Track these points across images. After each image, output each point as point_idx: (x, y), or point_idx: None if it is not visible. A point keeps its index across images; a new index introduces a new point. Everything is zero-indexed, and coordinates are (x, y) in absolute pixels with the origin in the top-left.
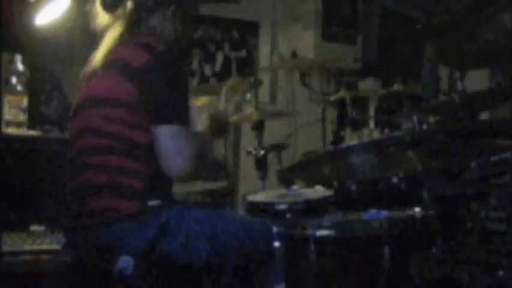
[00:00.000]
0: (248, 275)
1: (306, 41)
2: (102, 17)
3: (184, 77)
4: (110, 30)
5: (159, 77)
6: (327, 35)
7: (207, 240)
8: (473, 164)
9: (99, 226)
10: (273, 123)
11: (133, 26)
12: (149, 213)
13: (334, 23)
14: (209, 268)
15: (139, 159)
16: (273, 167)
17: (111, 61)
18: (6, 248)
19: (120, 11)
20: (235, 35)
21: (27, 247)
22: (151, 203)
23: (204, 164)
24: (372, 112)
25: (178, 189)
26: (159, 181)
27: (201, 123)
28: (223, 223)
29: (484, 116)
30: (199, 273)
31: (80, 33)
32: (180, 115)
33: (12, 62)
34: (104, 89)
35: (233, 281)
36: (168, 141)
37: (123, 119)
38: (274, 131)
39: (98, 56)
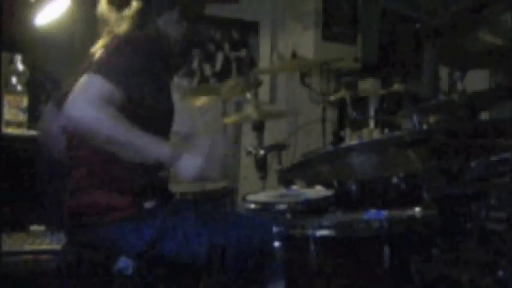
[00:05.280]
0: (248, 274)
1: (306, 41)
2: (108, 15)
3: (150, 60)
4: (113, 27)
5: (120, 52)
6: (327, 35)
7: (205, 240)
8: (473, 164)
9: (97, 226)
10: (273, 123)
11: (139, 26)
12: (146, 215)
13: (334, 23)
14: (208, 268)
15: (129, 161)
16: (273, 167)
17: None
18: (6, 248)
19: (126, 11)
20: (235, 35)
21: (27, 247)
22: (147, 204)
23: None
24: (372, 112)
25: (178, 189)
26: (153, 181)
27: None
28: (222, 223)
29: (484, 116)
30: (198, 274)
31: (80, 33)
32: (109, 70)
33: (12, 62)
34: None
35: (232, 280)
36: (78, 85)
37: None
38: (274, 131)
39: (91, 53)
